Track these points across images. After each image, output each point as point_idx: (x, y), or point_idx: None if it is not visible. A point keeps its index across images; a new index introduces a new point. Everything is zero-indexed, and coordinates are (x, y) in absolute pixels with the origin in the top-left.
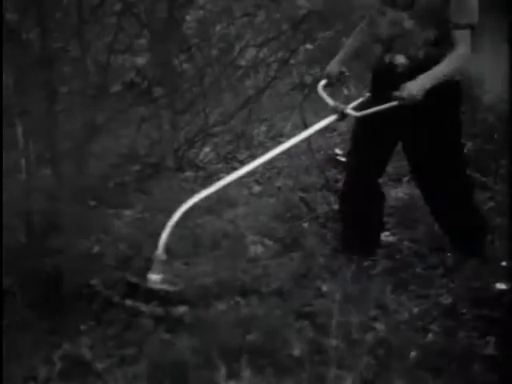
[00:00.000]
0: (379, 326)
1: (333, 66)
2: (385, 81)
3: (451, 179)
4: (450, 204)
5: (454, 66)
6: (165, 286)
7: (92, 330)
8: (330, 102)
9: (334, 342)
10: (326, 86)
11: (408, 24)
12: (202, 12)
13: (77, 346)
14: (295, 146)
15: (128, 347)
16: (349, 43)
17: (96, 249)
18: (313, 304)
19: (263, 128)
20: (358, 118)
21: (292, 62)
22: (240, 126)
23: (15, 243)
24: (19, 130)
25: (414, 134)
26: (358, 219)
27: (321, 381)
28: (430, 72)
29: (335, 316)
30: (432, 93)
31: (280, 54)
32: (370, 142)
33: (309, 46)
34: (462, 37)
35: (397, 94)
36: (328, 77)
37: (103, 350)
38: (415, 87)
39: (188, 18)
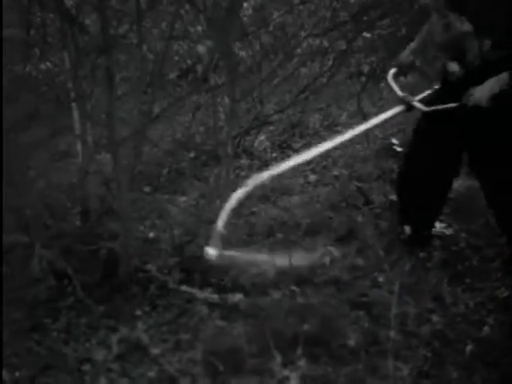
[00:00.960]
0: (435, 318)
1: (405, 56)
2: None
3: None
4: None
5: None
6: (219, 260)
7: (147, 315)
8: (399, 92)
9: (390, 333)
10: (396, 76)
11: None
12: None
13: (133, 330)
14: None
15: (183, 333)
16: (421, 35)
17: (151, 234)
18: (369, 294)
19: (318, 117)
20: (424, 114)
21: (349, 50)
22: (295, 114)
23: (71, 227)
24: (75, 115)
25: (482, 145)
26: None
27: (376, 372)
28: (499, 77)
29: (392, 307)
30: (503, 99)
31: (337, 43)
32: (432, 146)
33: (366, 35)
34: None
35: (463, 100)
36: (399, 66)
37: (158, 335)
38: (481, 94)
39: (245, 4)
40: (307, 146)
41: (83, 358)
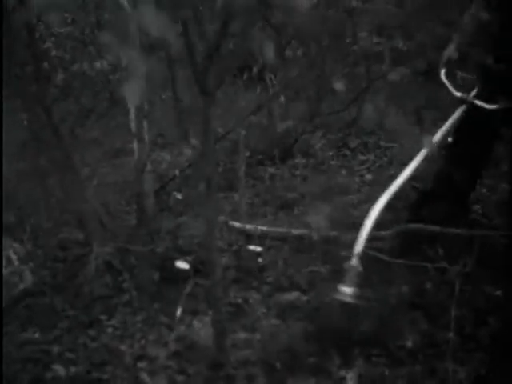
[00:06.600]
0: (492, 320)
1: (451, 51)
2: None
3: None
4: None
5: None
6: (355, 301)
7: (203, 313)
8: (454, 91)
9: (448, 335)
10: (448, 74)
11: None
12: None
13: (189, 328)
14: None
15: (240, 331)
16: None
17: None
18: (426, 295)
19: (375, 116)
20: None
21: (405, 49)
22: (351, 113)
23: (127, 224)
24: (131, 113)
25: None
26: None
27: (433, 374)
28: None
29: (451, 309)
30: None
31: (393, 42)
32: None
33: None
34: None
35: None
36: (447, 63)
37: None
38: None
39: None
40: (363, 145)
41: (139, 355)
